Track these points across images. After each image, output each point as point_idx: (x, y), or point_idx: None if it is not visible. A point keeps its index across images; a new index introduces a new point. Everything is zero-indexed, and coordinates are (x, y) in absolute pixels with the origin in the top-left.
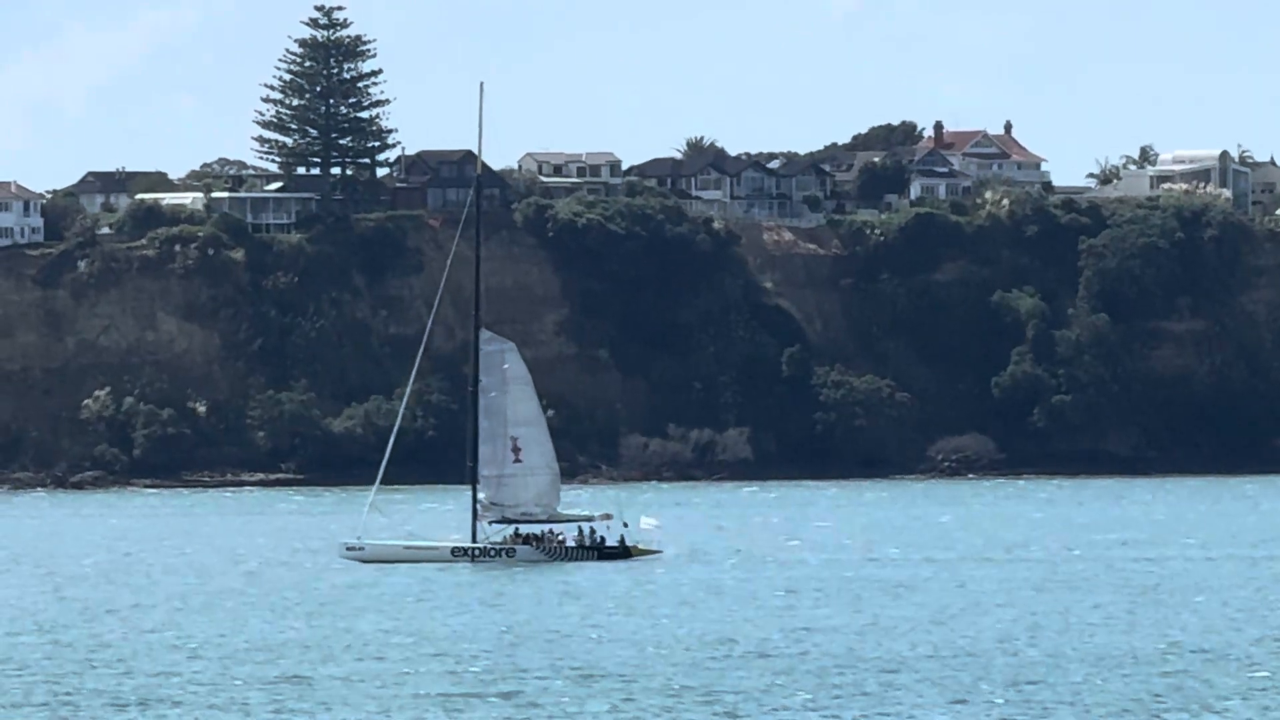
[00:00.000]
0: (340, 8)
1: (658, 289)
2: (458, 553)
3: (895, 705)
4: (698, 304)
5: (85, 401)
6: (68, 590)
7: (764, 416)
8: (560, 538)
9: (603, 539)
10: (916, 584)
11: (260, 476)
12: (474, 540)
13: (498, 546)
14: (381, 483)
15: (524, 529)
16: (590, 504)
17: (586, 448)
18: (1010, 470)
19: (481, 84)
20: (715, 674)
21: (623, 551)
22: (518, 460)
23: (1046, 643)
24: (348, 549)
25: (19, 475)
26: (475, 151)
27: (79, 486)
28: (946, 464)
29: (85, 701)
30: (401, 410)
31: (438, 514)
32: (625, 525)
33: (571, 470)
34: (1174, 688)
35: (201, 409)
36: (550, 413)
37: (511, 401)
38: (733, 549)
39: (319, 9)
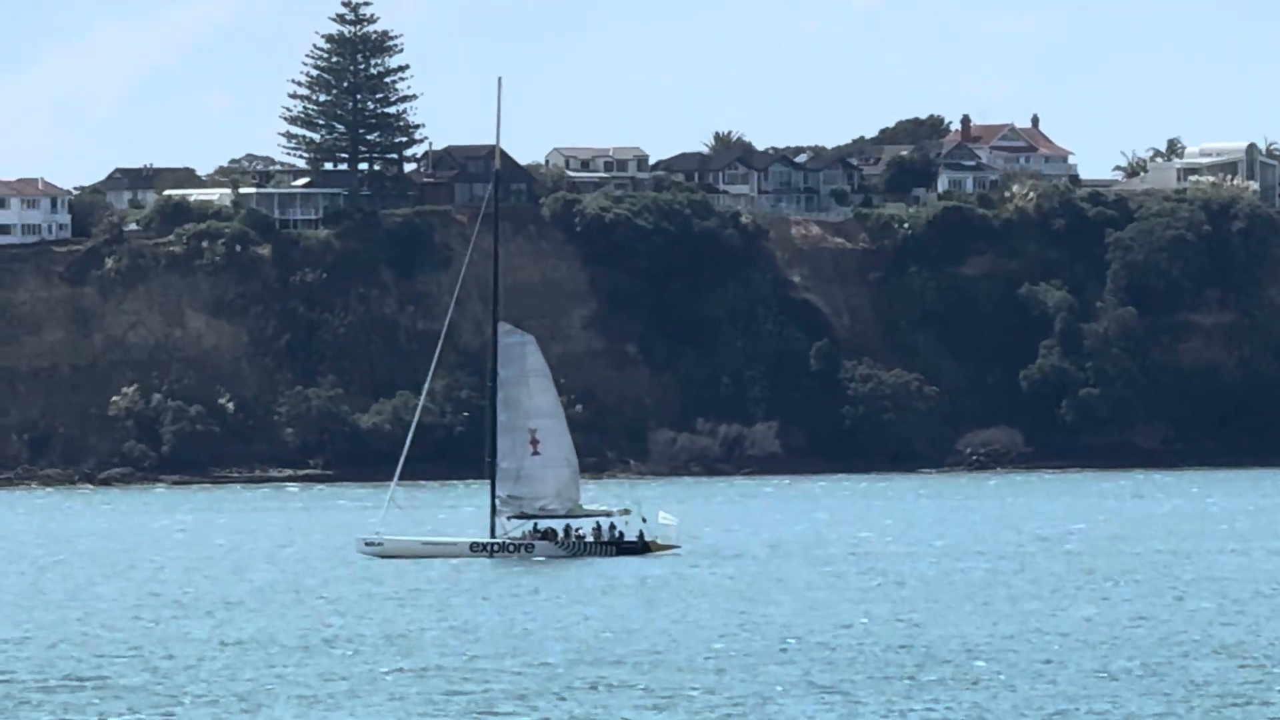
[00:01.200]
0: (367, 3)
1: (685, 283)
2: (476, 548)
3: None
4: (725, 298)
5: (113, 398)
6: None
7: (792, 411)
8: (579, 533)
9: (621, 534)
10: None
11: (289, 472)
12: (492, 536)
13: (516, 542)
14: (411, 478)
15: (542, 524)
16: (651, 503)
17: (615, 443)
18: (1038, 464)
19: (500, 79)
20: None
21: (641, 547)
22: (536, 453)
23: None
24: (366, 544)
25: (48, 472)
26: (501, 147)
27: (107, 483)
28: (975, 457)
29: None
30: (420, 406)
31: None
32: (644, 521)
33: (600, 465)
34: None
35: (229, 405)
36: (578, 407)
37: (530, 394)
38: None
39: (346, 5)
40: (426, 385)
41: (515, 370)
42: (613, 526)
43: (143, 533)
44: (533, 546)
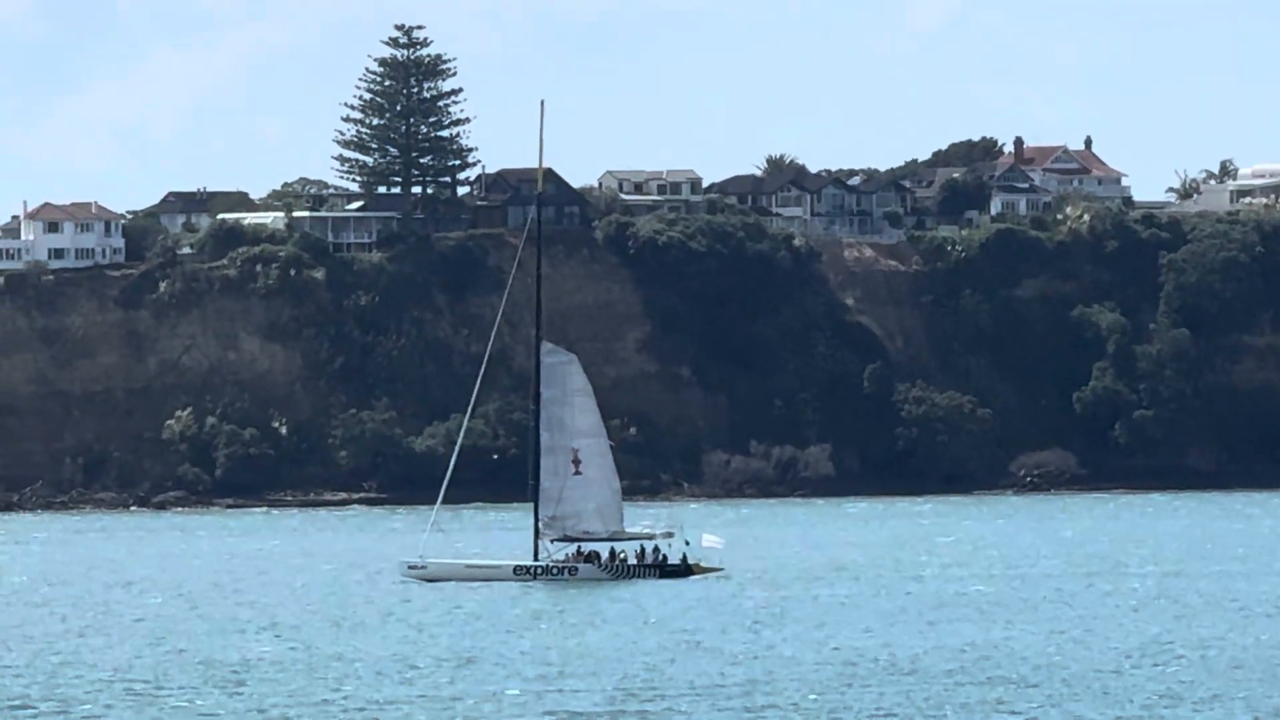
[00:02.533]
0: (420, 27)
1: (739, 306)
2: (519, 571)
3: None
4: (779, 321)
5: (167, 422)
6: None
7: (846, 433)
8: (622, 555)
9: (664, 557)
10: None
11: (343, 496)
12: (536, 558)
13: (559, 565)
14: (464, 501)
15: (586, 547)
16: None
17: (669, 465)
18: (1092, 485)
19: (542, 102)
20: None
21: (685, 569)
22: (578, 472)
23: None
24: (409, 567)
25: (102, 495)
26: (554, 170)
27: (162, 507)
28: (1029, 479)
29: None
30: (463, 429)
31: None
32: (687, 543)
33: (654, 488)
34: None
35: (283, 428)
36: (632, 430)
37: (573, 414)
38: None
39: (399, 28)
40: (470, 408)
41: (558, 390)
42: (656, 549)
43: (256, 558)
44: (576, 569)
